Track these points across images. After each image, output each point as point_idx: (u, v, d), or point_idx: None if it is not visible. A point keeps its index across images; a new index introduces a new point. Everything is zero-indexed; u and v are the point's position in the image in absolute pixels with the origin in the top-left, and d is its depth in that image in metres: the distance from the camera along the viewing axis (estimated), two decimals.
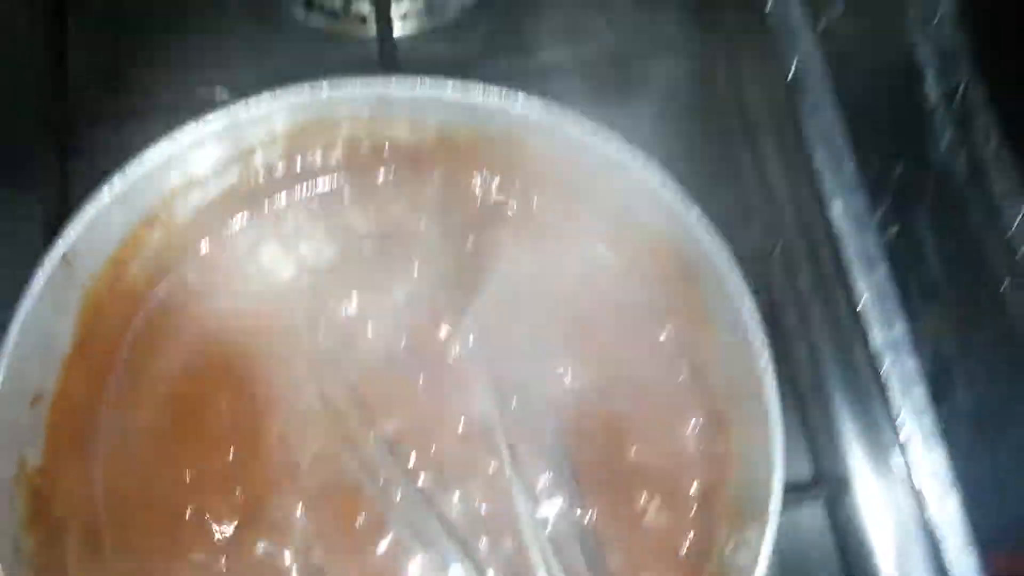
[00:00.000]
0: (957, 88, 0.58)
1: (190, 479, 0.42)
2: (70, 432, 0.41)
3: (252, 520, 0.42)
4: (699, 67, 0.60)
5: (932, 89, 0.59)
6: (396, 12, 0.61)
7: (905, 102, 0.59)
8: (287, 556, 0.41)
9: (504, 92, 0.43)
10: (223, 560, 0.41)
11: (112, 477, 0.41)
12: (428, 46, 0.63)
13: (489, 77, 0.53)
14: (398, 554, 0.42)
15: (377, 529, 0.42)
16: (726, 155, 0.57)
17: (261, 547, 0.41)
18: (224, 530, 0.41)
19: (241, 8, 0.61)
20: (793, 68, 0.59)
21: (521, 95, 0.43)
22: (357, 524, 0.42)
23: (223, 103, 0.51)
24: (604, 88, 0.59)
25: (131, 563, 0.40)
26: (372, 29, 0.59)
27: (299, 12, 0.62)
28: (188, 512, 0.41)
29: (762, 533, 0.38)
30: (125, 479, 0.41)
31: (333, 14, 0.62)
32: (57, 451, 0.40)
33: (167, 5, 0.60)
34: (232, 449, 0.42)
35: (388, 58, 0.56)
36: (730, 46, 0.59)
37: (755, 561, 0.37)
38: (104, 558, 0.40)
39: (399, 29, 0.62)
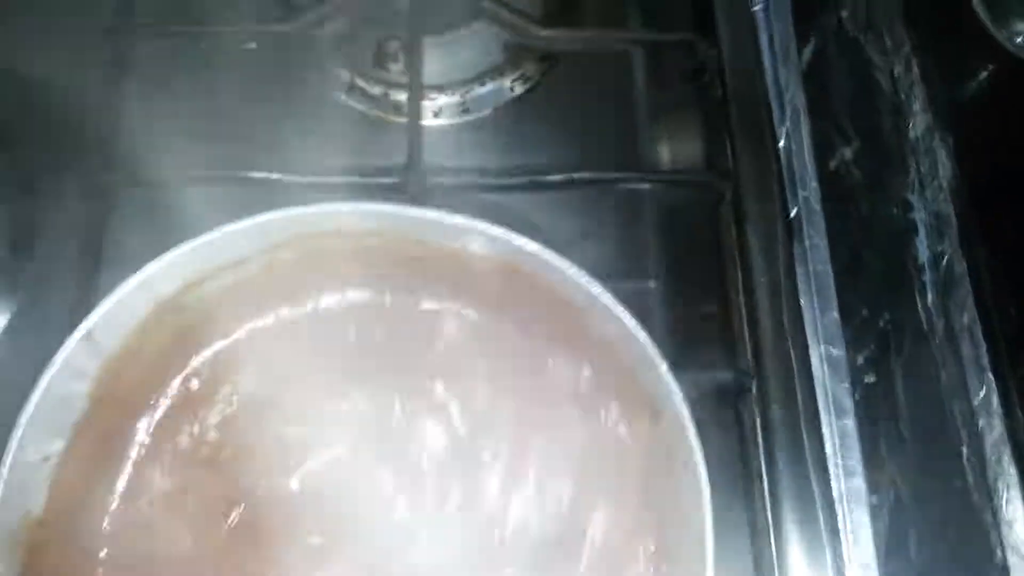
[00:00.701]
0: (943, 255, 0.61)
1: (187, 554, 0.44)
2: (71, 490, 0.44)
3: None
4: (704, 196, 0.62)
5: (921, 250, 0.62)
6: (431, 107, 0.65)
7: (896, 257, 0.62)
8: None
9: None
10: None
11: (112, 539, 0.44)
12: (459, 136, 0.66)
13: (505, 175, 0.58)
14: None
15: None
16: (717, 285, 0.59)
17: None
18: None
19: (286, 86, 0.64)
20: (795, 209, 0.63)
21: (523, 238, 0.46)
22: None
23: (257, 181, 0.56)
24: (607, 204, 0.63)
25: None
26: (406, 117, 0.63)
27: (341, 94, 0.65)
28: None
29: None
30: (125, 544, 0.44)
31: (373, 99, 0.66)
32: (58, 507, 0.43)
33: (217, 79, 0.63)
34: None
35: (413, 149, 0.58)
36: (737, 179, 0.61)
37: None
38: None
39: (432, 119, 0.66)
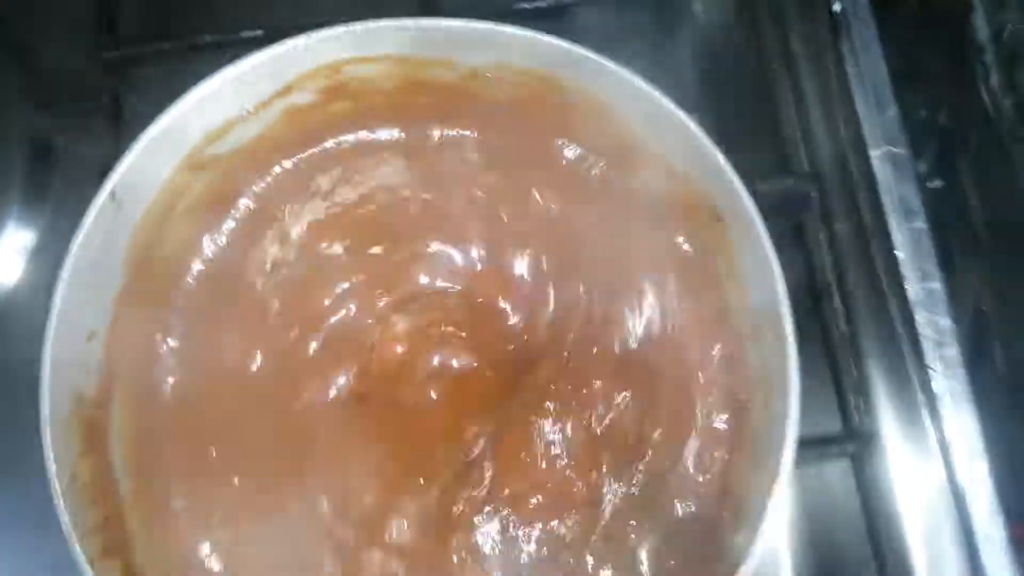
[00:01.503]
0: (1005, 26, 0.57)
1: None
2: (124, 366, 0.42)
3: None
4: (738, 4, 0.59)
5: (980, 29, 0.57)
6: None
7: (952, 43, 0.58)
8: None
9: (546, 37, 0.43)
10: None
11: (168, 409, 0.43)
12: None
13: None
14: None
15: None
16: (767, 96, 0.56)
17: None
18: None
19: None
20: (838, 3, 0.58)
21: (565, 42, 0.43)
22: None
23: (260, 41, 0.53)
24: (641, 26, 0.59)
25: (187, 487, 0.42)
26: None
27: None
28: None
29: (773, 481, 0.38)
30: (182, 411, 0.43)
31: None
32: (111, 384, 0.42)
33: None
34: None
35: None
36: None
37: (763, 510, 0.38)
38: (160, 483, 0.41)
39: None
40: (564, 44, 0.43)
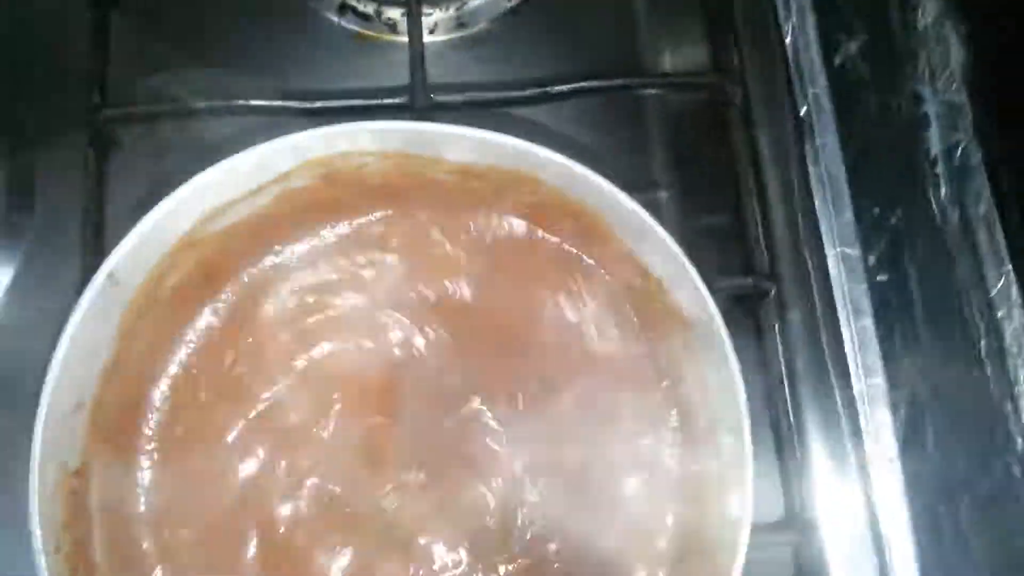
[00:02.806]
0: (957, 146, 0.61)
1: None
2: (106, 437, 0.44)
3: None
4: (712, 100, 0.61)
5: (934, 143, 0.61)
6: (425, 23, 0.63)
7: (908, 152, 0.62)
8: None
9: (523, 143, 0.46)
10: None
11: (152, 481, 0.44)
12: (455, 53, 0.64)
13: (511, 88, 0.56)
14: None
15: None
16: (734, 195, 0.59)
17: None
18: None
19: (276, 8, 0.62)
20: (804, 108, 0.62)
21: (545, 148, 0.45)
22: None
23: (259, 109, 0.54)
24: (614, 115, 0.62)
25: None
26: (402, 35, 0.61)
27: (332, 15, 0.63)
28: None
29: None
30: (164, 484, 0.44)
31: (365, 18, 0.64)
32: (94, 455, 0.43)
33: (205, 5, 0.61)
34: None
35: (415, 66, 0.57)
36: (744, 80, 0.60)
37: None
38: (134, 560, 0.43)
39: (428, 36, 0.64)
40: (537, 149, 0.45)
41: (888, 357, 0.57)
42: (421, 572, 0.44)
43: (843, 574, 0.52)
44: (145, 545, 0.43)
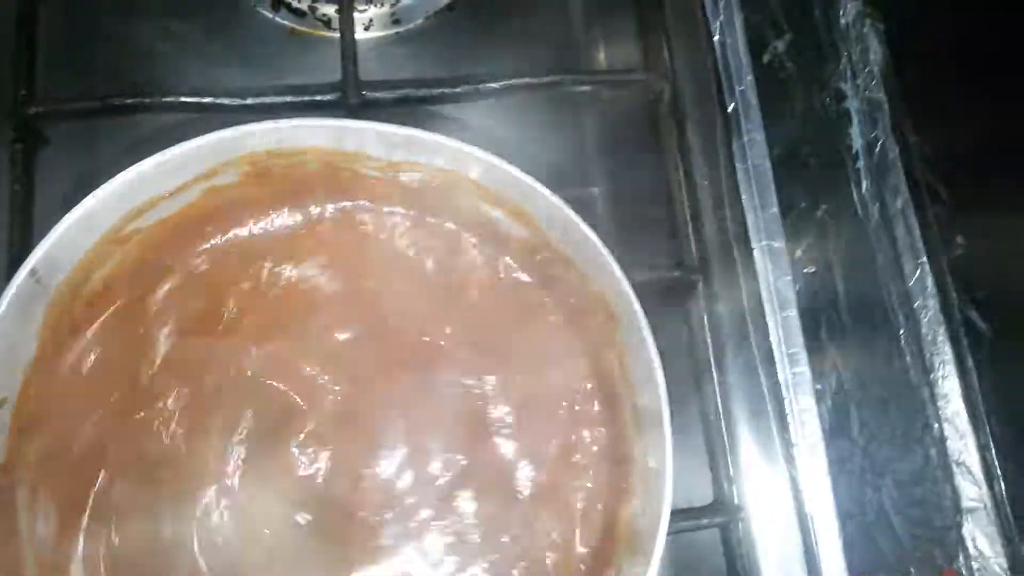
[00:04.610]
0: (877, 141, 0.62)
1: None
2: (31, 432, 0.43)
3: None
4: (643, 97, 0.63)
5: (856, 139, 0.63)
6: (360, 19, 0.63)
7: (832, 148, 0.64)
8: None
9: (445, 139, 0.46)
10: None
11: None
12: (391, 49, 0.65)
13: (443, 85, 0.57)
14: None
15: None
16: (663, 189, 0.60)
17: None
18: None
19: (210, 3, 0.62)
20: (732, 105, 0.63)
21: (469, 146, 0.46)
22: None
23: (189, 105, 0.54)
24: (547, 111, 0.63)
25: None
26: (336, 31, 0.61)
27: (266, 11, 0.63)
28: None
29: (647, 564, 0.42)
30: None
31: (299, 14, 0.64)
32: (19, 450, 0.43)
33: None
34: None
35: (348, 62, 0.57)
36: (674, 77, 0.61)
37: None
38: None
39: (363, 33, 0.64)
40: (462, 146, 0.46)
41: (813, 347, 0.59)
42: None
43: (771, 554, 0.54)
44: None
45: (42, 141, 0.56)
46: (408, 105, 0.56)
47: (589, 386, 0.49)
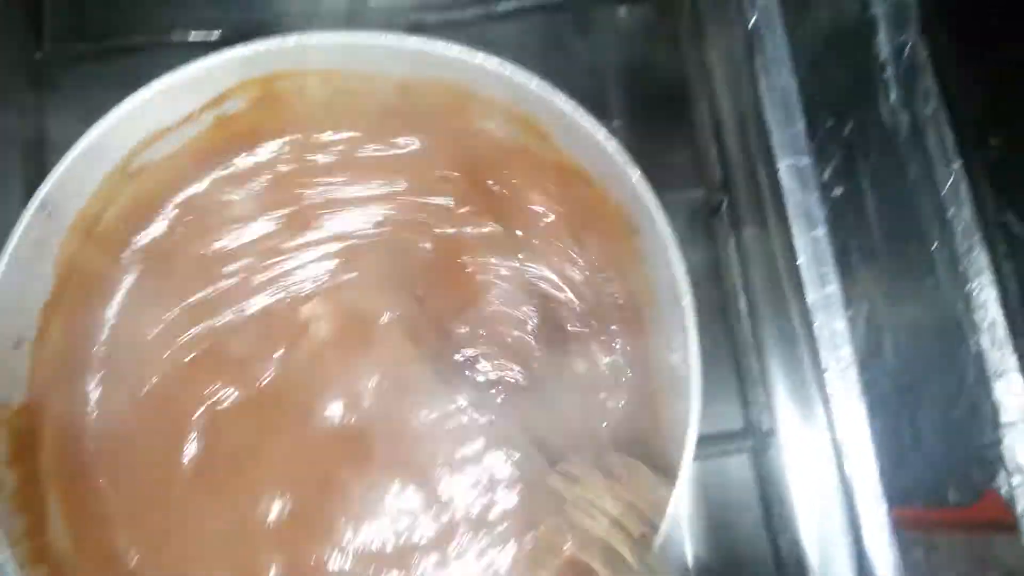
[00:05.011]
0: (905, 45, 0.60)
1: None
2: (52, 373, 0.43)
3: None
4: (661, 13, 0.61)
5: (882, 46, 0.61)
6: None
7: (859, 59, 0.61)
8: None
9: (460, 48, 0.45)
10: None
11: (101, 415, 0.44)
12: None
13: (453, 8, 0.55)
14: None
15: None
16: (685, 107, 0.59)
17: None
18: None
19: None
20: (753, 19, 0.61)
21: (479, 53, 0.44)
22: None
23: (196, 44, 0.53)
24: (562, 35, 0.61)
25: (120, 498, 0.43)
26: None
27: None
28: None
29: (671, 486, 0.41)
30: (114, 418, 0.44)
31: None
32: (40, 392, 0.42)
33: None
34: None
35: None
36: None
37: (663, 513, 0.40)
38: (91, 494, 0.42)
39: None
40: (476, 57, 0.44)
41: (844, 270, 0.57)
42: None
43: (803, 482, 0.53)
44: (101, 481, 0.43)
45: (53, 86, 0.55)
46: (418, 32, 0.54)
47: (620, 302, 0.47)
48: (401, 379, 0.46)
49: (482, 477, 0.46)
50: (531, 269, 0.48)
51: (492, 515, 0.45)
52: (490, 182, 0.49)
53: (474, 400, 0.46)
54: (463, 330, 0.47)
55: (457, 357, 0.46)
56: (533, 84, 0.43)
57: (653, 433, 0.45)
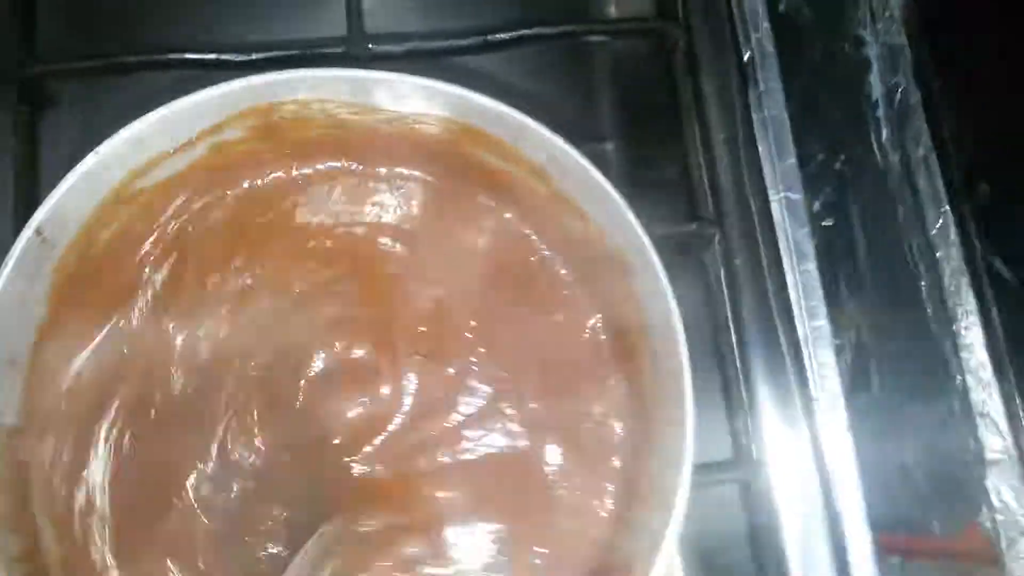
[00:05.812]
0: (897, 88, 0.61)
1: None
2: (46, 394, 0.43)
3: None
4: (657, 46, 0.61)
5: (875, 86, 0.62)
6: None
7: (851, 97, 0.62)
8: None
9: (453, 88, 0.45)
10: None
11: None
12: (398, 3, 0.63)
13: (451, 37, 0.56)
14: None
15: None
16: (678, 141, 0.59)
17: None
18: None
19: None
20: (748, 53, 0.62)
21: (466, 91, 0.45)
22: None
23: (193, 62, 0.53)
24: (556, 64, 0.61)
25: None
26: None
27: None
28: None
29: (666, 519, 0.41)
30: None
31: None
32: (33, 414, 0.43)
33: None
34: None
35: (352, 14, 0.56)
36: (688, 26, 0.60)
37: (657, 546, 0.41)
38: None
39: None
40: (464, 93, 0.45)
41: (832, 300, 0.58)
42: None
43: (791, 510, 0.53)
44: (96, 501, 0.43)
45: (46, 102, 0.55)
46: (416, 58, 0.55)
47: (603, 338, 0.48)
48: None
49: None
50: None
51: None
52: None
53: None
54: None
55: None
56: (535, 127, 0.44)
57: (645, 465, 0.46)
